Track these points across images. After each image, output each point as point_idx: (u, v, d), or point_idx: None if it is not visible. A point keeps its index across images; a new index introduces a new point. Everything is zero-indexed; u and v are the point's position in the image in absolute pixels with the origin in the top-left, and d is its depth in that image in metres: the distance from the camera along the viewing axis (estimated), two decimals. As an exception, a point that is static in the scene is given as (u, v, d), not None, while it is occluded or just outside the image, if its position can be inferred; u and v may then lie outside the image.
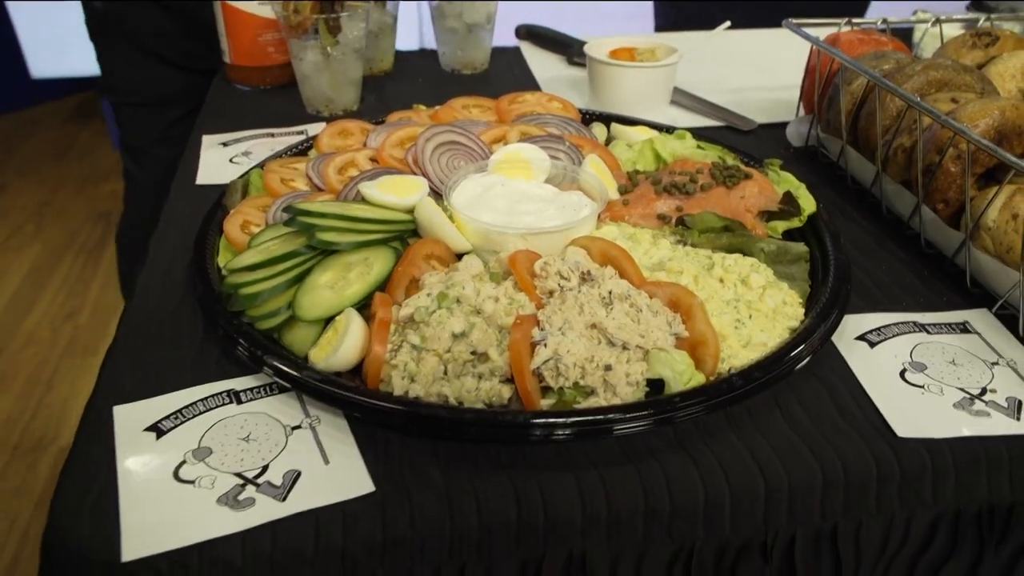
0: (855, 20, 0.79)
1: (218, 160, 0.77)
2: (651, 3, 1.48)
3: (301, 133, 0.81)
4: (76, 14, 1.09)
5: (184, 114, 1.06)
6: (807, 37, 0.73)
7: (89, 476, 0.43)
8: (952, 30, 0.87)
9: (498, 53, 1.02)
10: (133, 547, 0.39)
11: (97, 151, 2.87)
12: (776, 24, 0.79)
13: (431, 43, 1.01)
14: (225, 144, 0.80)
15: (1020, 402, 0.48)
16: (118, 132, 1.20)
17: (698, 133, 0.74)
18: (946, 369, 0.51)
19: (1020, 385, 0.50)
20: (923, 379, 0.50)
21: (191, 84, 1.03)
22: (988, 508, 0.46)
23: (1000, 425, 0.47)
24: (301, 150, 0.72)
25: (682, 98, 0.89)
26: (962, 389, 0.49)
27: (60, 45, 2.54)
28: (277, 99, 0.91)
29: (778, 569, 0.46)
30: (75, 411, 1.70)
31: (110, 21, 1.02)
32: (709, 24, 0.91)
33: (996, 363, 0.51)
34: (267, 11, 0.88)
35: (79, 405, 1.65)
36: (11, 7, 2.42)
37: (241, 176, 0.66)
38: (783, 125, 0.83)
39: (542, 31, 1.06)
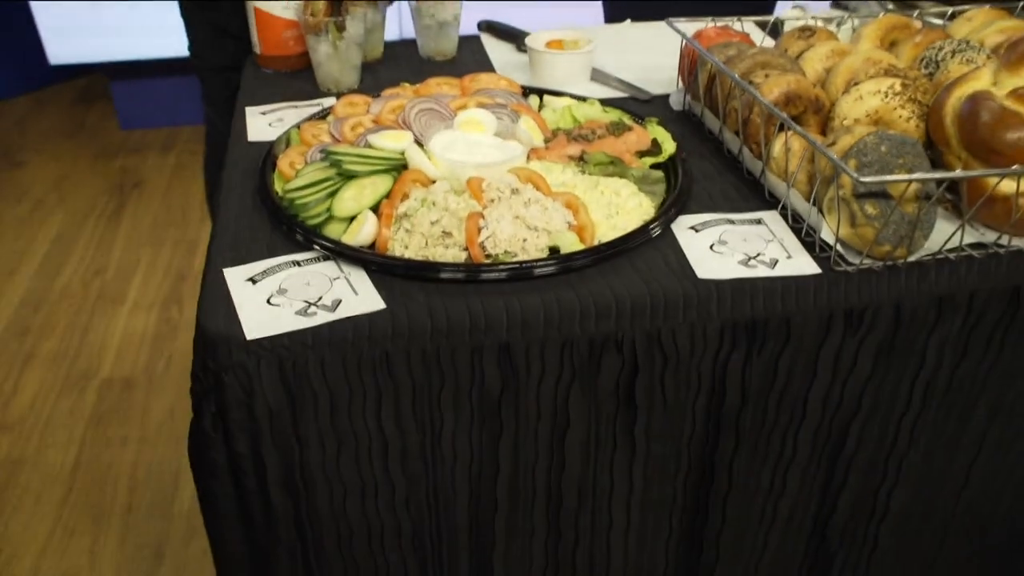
0: (717, 19, 1.10)
1: (260, 124, 1.06)
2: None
3: (318, 105, 1.11)
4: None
5: None
6: (679, 32, 1.04)
7: (216, 300, 0.73)
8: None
9: (465, 42, 1.32)
10: (251, 331, 0.69)
11: (105, 130, 3.13)
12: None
13: (410, 33, 1.31)
14: (263, 113, 1.09)
15: (776, 260, 0.79)
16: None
17: (606, 102, 1.05)
18: (739, 244, 0.82)
19: (781, 252, 0.80)
20: (723, 249, 0.81)
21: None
22: (751, 321, 0.77)
23: (761, 272, 0.77)
24: (322, 115, 1.02)
25: (600, 76, 1.19)
26: (745, 253, 0.80)
27: (76, 32, 2.78)
28: (297, 80, 1.20)
29: (626, 359, 0.76)
30: (112, 348, 2.00)
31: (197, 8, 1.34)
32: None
33: (771, 241, 0.82)
34: (289, 13, 1.18)
35: (115, 343, 1.95)
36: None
37: (283, 133, 0.96)
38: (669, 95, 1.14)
39: (498, 25, 1.36)
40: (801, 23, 1.08)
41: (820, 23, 1.08)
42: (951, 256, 0.80)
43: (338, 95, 1.14)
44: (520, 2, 1.97)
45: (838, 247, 0.78)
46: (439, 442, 0.77)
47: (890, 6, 1.35)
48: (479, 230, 0.77)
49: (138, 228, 2.49)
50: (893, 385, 0.84)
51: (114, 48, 2.83)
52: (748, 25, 1.18)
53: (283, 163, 0.89)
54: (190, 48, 1.45)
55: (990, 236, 0.81)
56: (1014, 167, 0.75)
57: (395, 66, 1.26)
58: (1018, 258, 0.81)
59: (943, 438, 0.91)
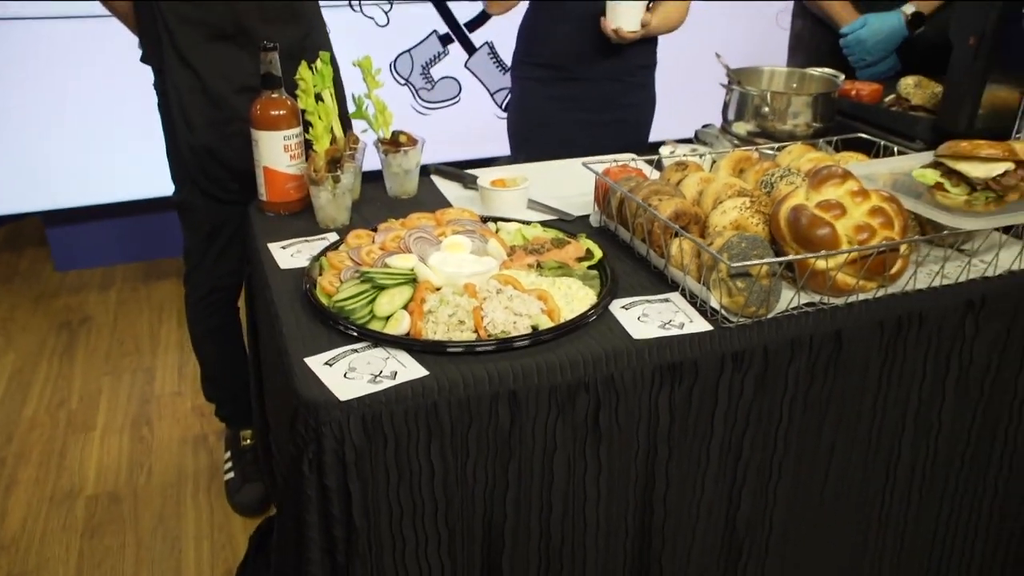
0: (617, 158, 1.51)
1: (284, 255, 1.38)
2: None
3: (325, 239, 1.43)
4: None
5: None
6: (592, 170, 1.44)
7: (306, 379, 1.03)
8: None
9: (422, 182, 1.69)
10: (342, 395, 1.00)
11: (40, 273, 3.30)
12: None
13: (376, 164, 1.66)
14: (283, 247, 1.41)
15: (683, 323, 1.16)
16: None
17: (544, 223, 1.43)
18: (656, 315, 1.19)
19: (685, 318, 1.18)
20: (646, 319, 1.17)
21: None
22: (671, 365, 1.13)
23: (673, 332, 1.14)
24: (335, 246, 1.35)
25: (534, 204, 1.58)
26: (662, 321, 1.17)
27: (13, 182, 3.00)
28: (296, 220, 1.53)
29: (591, 397, 1.10)
30: (91, 467, 2.18)
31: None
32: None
33: (677, 312, 1.20)
34: (292, 170, 1.51)
35: (93, 463, 2.14)
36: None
37: (315, 261, 1.29)
38: (588, 216, 1.53)
39: (445, 169, 1.74)
40: (677, 159, 1.50)
41: (690, 159, 1.51)
42: (794, 312, 1.19)
43: (335, 231, 1.47)
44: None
45: (722, 311, 1.16)
46: (465, 469, 1.09)
47: (736, 142, 1.81)
48: (482, 318, 1.12)
49: (94, 360, 2.67)
50: (769, 405, 1.22)
51: (52, 196, 3.05)
52: (640, 163, 1.60)
53: (324, 282, 1.22)
54: (180, 185, 1.77)
55: (816, 297, 1.22)
56: (821, 252, 1.16)
57: (372, 205, 1.60)
58: (836, 311, 1.22)
59: (808, 443, 1.29)
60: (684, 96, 2.90)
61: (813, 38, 2.32)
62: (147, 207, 3.21)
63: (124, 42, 1.85)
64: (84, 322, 2.92)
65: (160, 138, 1.79)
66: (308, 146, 1.52)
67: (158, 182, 2.99)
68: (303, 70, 1.50)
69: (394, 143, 1.60)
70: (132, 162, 3.02)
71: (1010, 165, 1.24)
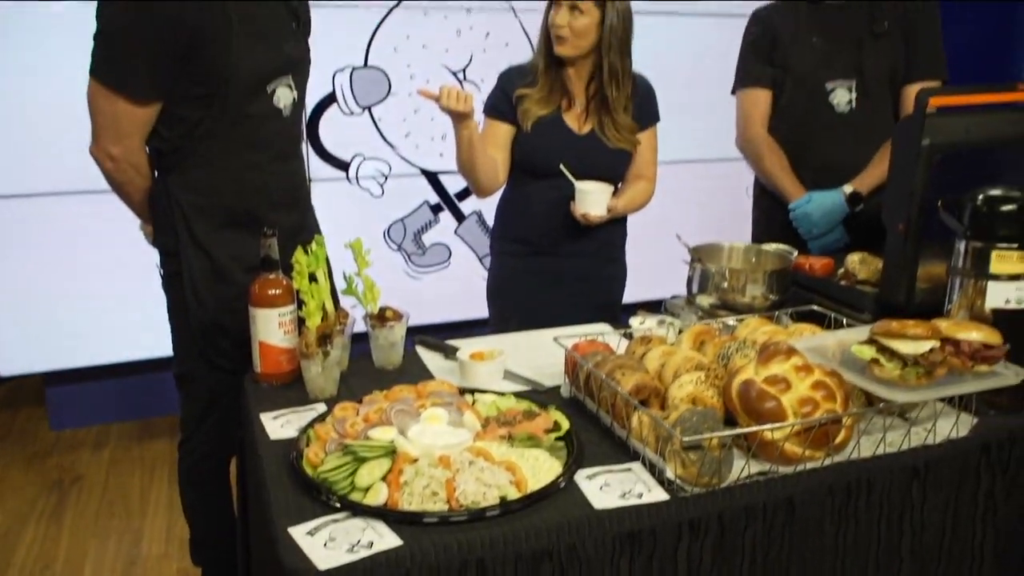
0: (588, 331, 1.63)
1: (274, 426, 1.48)
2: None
3: (313, 411, 1.54)
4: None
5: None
6: (562, 345, 1.56)
7: (288, 548, 1.11)
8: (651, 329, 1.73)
9: (406, 354, 1.81)
10: (321, 564, 1.07)
11: (35, 432, 3.37)
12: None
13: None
14: (274, 418, 1.51)
15: (642, 493, 1.25)
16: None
17: (518, 394, 1.53)
18: (618, 485, 1.27)
19: (644, 487, 1.26)
20: (608, 489, 1.26)
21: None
22: (630, 533, 1.21)
23: (632, 501, 1.23)
24: (321, 418, 1.45)
25: (510, 375, 1.69)
26: (622, 490, 1.26)
27: (22, 344, 3.14)
28: (288, 390, 1.64)
29: (555, 564, 1.18)
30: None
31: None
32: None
33: (637, 481, 1.29)
34: (284, 344, 1.64)
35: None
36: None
37: (303, 432, 1.39)
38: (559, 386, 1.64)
39: (428, 340, 1.87)
40: (642, 334, 1.63)
41: (653, 332, 1.64)
42: (747, 480, 1.28)
43: (324, 401, 1.58)
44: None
45: (677, 481, 1.25)
46: (437, 636, 1.15)
47: (700, 313, 1.95)
48: (455, 489, 1.21)
49: (82, 521, 2.71)
50: (728, 571, 1.29)
51: (56, 357, 3.18)
52: (609, 337, 1.72)
53: (310, 453, 1.31)
54: (183, 357, 1.88)
55: (768, 466, 1.31)
56: (767, 425, 1.26)
57: (359, 376, 1.72)
58: (787, 479, 1.30)
59: (769, 608, 1.34)
60: (661, 259, 3.09)
61: (772, 211, 2.52)
62: (143, 367, 3.33)
63: (122, 217, 2.02)
64: (76, 481, 2.96)
65: (154, 303, 1.93)
66: (301, 322, 1.65)
67: (152, 344, 3.15)
68: (299, 254, 1.65)
69: (381, 318, 1.73)
70: (129, 325, 3.17)
71: (936, 343, 1.37)
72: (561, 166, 2.14)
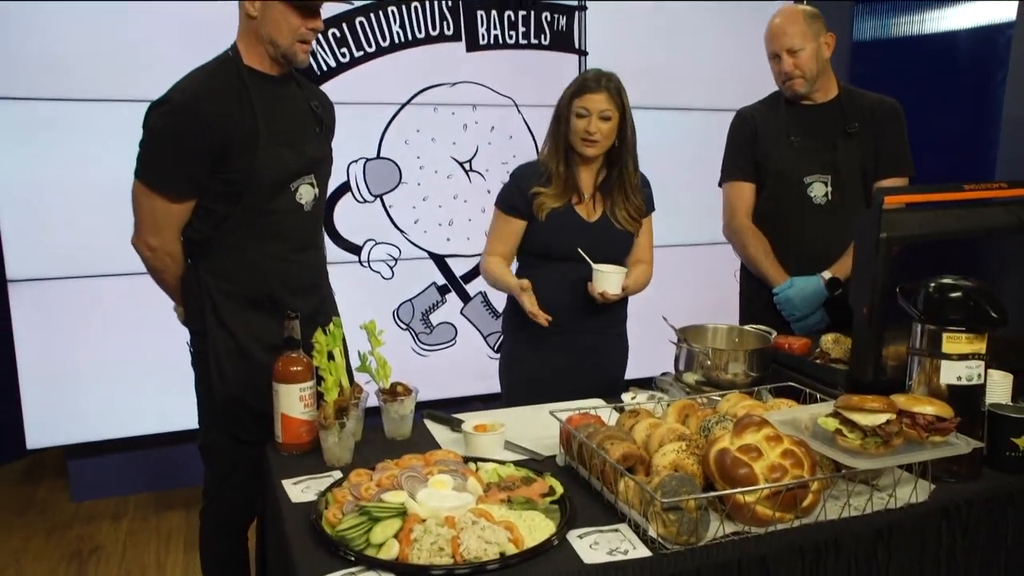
0: (582, 405, 1.79)
1: (295, 491, 1.63)
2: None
3: (330, 477, 1.69)
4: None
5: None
6: (557, 418, 1.72)
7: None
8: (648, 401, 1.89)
9: (415, 425, 1.96)
10: (340, 612, 1.21)
11: (55, 503, 3.49)
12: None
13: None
14: (295, 483, 1.66)
15: (627, 550, 1.39)
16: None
17: (517, 463, 1.68)
18: (606, 543, 1.41)
19: (630, 546, 1.40)
20: (596, 547, 1.40)
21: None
22: (618, 586, 1.35)
23: (619, 557, 1.37)
24: (339, 483, 1.60)
25: (510, 445, 1.85)
26: (610, 548, 1.40)
27: (52, 418, 3.29)
28: (306, 458, 1.79)
29: (550, 616, 1.31)
30: None
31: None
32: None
33: (624, 540, 1.43)
34: (304, 416, 1.80)
35: None
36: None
37: (322, 496, 1.54)
38: (555, 456, 1.79)
39: (436, 414, 2.03)
40: (631, 408, 1.79)
41: (641, 406, 1.80)
42: (723, 540, 1.42)
43: (340, 468, 1.73)
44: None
45: (659, 540, 1.39)
46: None
47: (687, 389, 2.10)
48: (459, 546, 1.35)
49: (101, 591, 2.81)
50: (707, 624, 1.42)
51: (78, 431, 3.33)
52: (601, 411, 1.88)
53: (328, 514, 1.46)
54: (206, 428, 2.04)
55: (740, 526, 1.45)
56: (738, 489, 1.41)
57: (372, 445, 1.87)
58: (759, 539, 1.44)
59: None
60: (657, 338, 3.26)
61: (757, 293, 2.69)
62: (162, 440, 3.47)
63: (147, 298, 2.20)
64: (94, 552, 3.07)
65: (178, 379, 2.10)
66: (319, 396, 1.81)
67: (172, 417, 3.31)
68: (318, 334, 1.82)
69: (392, 393, 1.90)
70: (151, 399, 3.33)
71: (892, 415, 1.52)
72: (579, 250, 2.34)
